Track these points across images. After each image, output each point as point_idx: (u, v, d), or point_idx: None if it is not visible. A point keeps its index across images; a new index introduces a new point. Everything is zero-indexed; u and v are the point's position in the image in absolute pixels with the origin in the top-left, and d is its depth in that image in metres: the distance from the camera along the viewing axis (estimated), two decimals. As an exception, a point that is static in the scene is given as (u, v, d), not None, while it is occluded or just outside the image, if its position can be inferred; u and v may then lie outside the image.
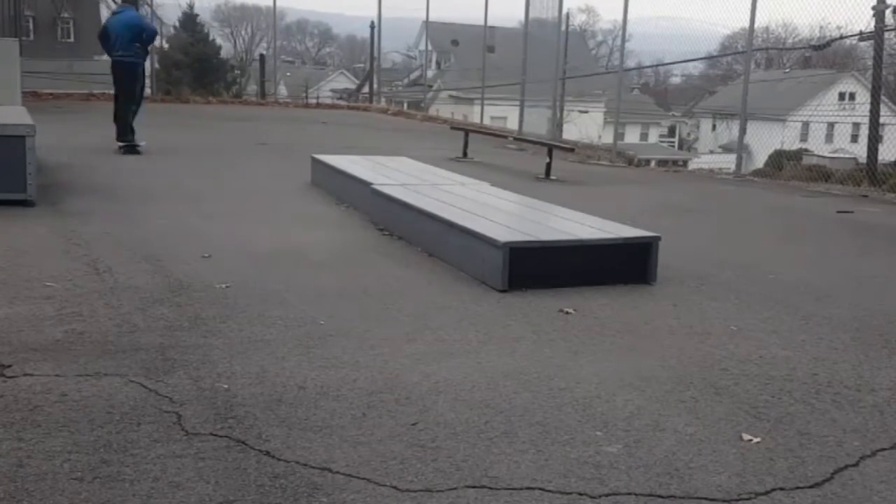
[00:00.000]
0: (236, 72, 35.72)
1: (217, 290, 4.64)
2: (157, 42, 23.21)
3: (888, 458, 2.90)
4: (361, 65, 49.15)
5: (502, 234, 5.06)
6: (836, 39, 16.49)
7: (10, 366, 3.39)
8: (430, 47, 31.89)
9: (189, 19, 32.69)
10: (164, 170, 9.28)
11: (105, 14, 31.80)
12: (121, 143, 10.35)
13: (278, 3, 22.08)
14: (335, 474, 2.63)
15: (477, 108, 21.02)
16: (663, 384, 3.51)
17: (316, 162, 8.65)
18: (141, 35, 10.34)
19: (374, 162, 8.49)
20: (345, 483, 2.58)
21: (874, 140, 13.48)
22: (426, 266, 5.44)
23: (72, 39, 40.63)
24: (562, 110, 19.24)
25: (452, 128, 14.79)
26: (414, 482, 2.60)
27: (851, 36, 14.43)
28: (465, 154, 12.08)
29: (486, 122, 20.09)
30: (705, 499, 2.58)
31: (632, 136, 40.25)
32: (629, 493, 2.59)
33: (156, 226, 6.29)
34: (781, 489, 2.65)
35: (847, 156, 19.75)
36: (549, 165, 10.57)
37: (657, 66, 34.92)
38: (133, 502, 2.42)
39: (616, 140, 14.97)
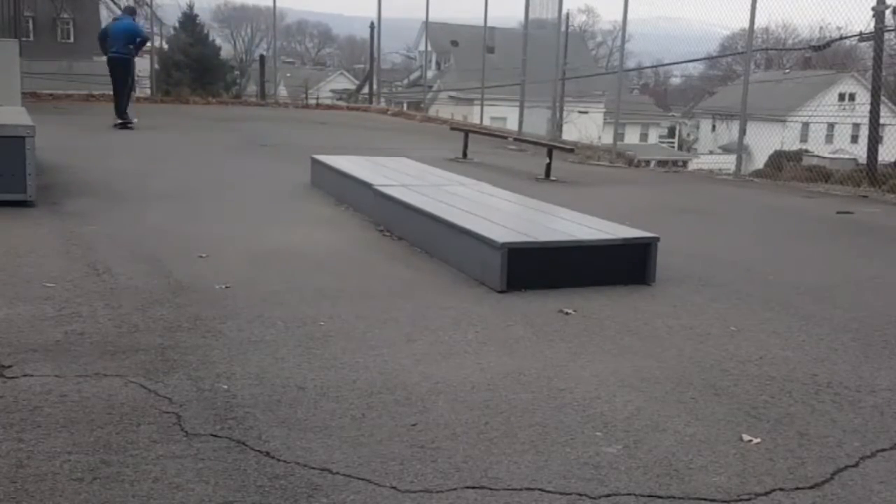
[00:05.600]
0: (236, 72, 35.70)
1: (217, 290, 4.64)
2: (154, 43, 23.30)
3: (888, 458, 2.90)
4: (361, 65, 49.13)
5: (501, 235, 5.06)
6: (835, 40, 16.49)
7: (10, 366, 3.39)
8: (429, 48, 31.89)
9: (189, 20, 32.65)
10: (163, 170, 9.28)
11: (105, 15, 31.83)
12: (118, 121, 13.37)
13: (278, 4, 22.10)
14: (335, 475, 2.63)
15: (477, 109, 21.00)
16: (663, 385, 3.51)
17: (316, 163, 8.65)
18: (135, 39, 13.47)
19: (374, 162, 8.49)
20: (344, 484, 2.58)
21: (874, 141, 13.48)
22: (426, 267, 5.44)
23: (71, 40, 40.60)
24: (561, 111, 19.25)
25: (452, 128, 14.79)
26: (413, 483, 2.60)
27: (851, 36, 14.45)
28: (464, 154, 12.08)
29: (486, 122, 20.07)
30: (705, 499, 2.58)
31: (631, 136, 40.21)
32: (629, 494, 2.59)
33: (155, 226, 6.29)
34: (781, 490, 2.65)
35: (847, 156, 19.75)
36: (548, 166, 10.58)
37: (657, 66, 34.91)
38: (133, 503, 2.42)
39: (616, 140, 14.96)
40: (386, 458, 2.74)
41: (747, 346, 4.06)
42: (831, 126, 28.85)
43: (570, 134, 19.70)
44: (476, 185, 7.47)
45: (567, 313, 4.48)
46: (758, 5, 11.42)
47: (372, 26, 25.03)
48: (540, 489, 2.59)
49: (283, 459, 2.71)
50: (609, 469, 2.74)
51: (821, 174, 12.59)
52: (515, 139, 14.74)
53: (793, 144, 25.24)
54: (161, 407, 3.07)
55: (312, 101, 27.33)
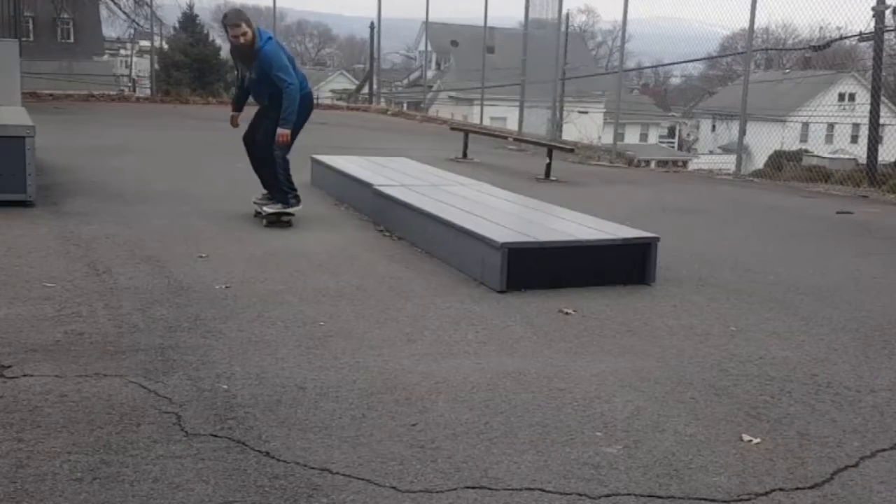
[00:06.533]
0: (236, 72, 35.69)
1: (217, 290, 4.64)
2: (154, 43, 23.28)
3: (888, 458, 2.90)
4: (361, 65, 49.08)
5: (501, 235, 5.06)
6: (835, 40, 16.47)
7: (10, 366, 3.39)
8: (429, 48, 31.87)
9: (189, 20, 32.67)
10: (163, 170, 9.28)
11: (105, 14, 31.83)
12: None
13: (278, 4, 22.07)
14: (335, 475, 2.63)
15: (477, 109, 21.01)
16: (663, 385, 3.51)
17: (315, 162, 8.65)
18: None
19: (373, 162, 8.49)
20: (344, 484, 2.58)
21: (874, 141, 13.48)
22: (426, 267, 5.44)
23: (71, 40, 40.59)
24: (561, 111, 19.25)
25: (452, 128, 14.78)
26: (413, 483, 2.60)
27: (851, 36, 14.45)
28: (464, 154, 12.08)
29: (486, 122, 20.08)
30: (705, 499, 2.58)
31: (631, 136, 40.22)
32: (629, 494, 2.59)
33: (155, 226, 6.29)
34: (781, 490, 2.65)
35: (847, 156, 19.75)
36: (548, 166, 10.58)
37: (657, 66, 34.92)
38: (133, 503, 2.42)
39: (616, 141, 14.97)
40: (386, 458, 2.74)
41: (747, 346, 4.06)
42: (831, 126, 28.83)
43: (570, 134, 19.71)
44: (476, 185, 7.47)
45: (567, 313, 4.48)
46: (758, 5, 11.44)
47: (372, 26, 25.04)
48: (540, 489, 2.59)
49: (283, 459, 2.71)
50: (609, 469, 2.74)
51: (821, 174, 12.59)
52: (515, 139, 14.74)
53: (793, 144, 25.23)
54: (161, 407, 3.06)
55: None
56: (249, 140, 6.83)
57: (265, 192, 6.82)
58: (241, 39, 6.21)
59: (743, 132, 12.24)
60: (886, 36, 13.55)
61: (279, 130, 6.45)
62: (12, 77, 9.95)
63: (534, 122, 16.56)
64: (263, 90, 6.54)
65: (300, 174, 8.87)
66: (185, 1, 31.95)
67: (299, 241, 6.06)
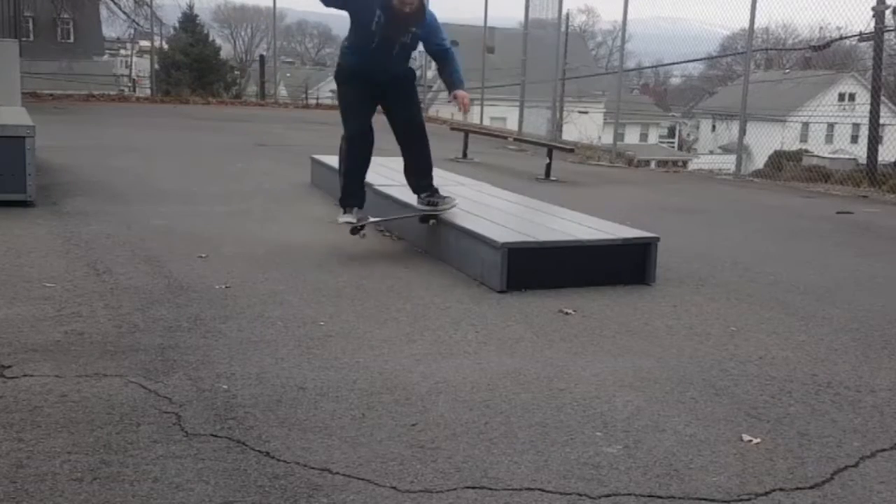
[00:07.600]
0: (236, 72, 35.69)
1: (217, 290, 4.64)
2: (154, 43, 23.27)
3: (888, 458, 2.90)
4: (361, 65, 49.01)
5: (501, 235, 5.06)
6: (835, 40, 16.47)
7: (10, 366, 3.39)
8: (429, 48, 31.83)
9: (189, 20, 32.66)
10: (163, 170, 9.28)
11: (105, 14, 31.83)
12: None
13: (278, 4, 22.07)
14: (335, 475, 2.63)
15: (476, 109, 21.00)
16: (663, 385, 3.51)
17: (316, 163, 8.64)
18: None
19: (374, 162, 8.47)
20: (344, 484, 2.58)
21: (874, 141, 13.50)
22: (426, 267, 5.44)
23: (71, 40, 40.58)
24: (561, 111, 19.25)
25: (452, 128, 14.77)
26: (413, 483, 2.60)
27: (851, 36, 14.45)
28: (464, 154, 12.08)
29: (486, 122, 20.07)
30: (705, 499, 2.58)
31: (631, 136, 40.23)
32: (629, 494, 2.59)
33: (155, 226, 6.29)
34: (781, 490, 2.65)
35: (847, 156, 19.76)
36: (548, 166, 10.58)
37: (657, 66, 34.89)
38: (133, 503, 2.42)
39: (616, 141, 14.98)
40: (386, 458, 2.74)
41: (747, 346, 4.06)
42: (831, 126, 28.83)
43: (570, 134, 19.71)
44: (476, 185, 7.46)
45: (567, 313, 4.48)
46: (758, 5, 11.44)
47: (372, 26, 24.97)
48: (540, 489, 2.59)
49: (283, 459, 2.71)
50: (609, 469, 2.74)
51: (821, 174, 12.59)
52: (515, 139, 14.75)
53: (793, 144, 25.22)
54: (161, 407, 3.06)
55: (312, 101, 27.30)
56: (370, 131, 6.60)
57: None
58: (408, 9, 5.66)
59: (743, 132, 12.24)
60: (886, 36, 13.56)
61: (461, 92, 5.94)
62: (12, 77, 9.95)
63: (534, 122, 16.57)
64: (404, 55, 6.15)
65: (301, 174, 8.90)
66: (185, 1, 31.96)
67: (299, 240, 6.06)
